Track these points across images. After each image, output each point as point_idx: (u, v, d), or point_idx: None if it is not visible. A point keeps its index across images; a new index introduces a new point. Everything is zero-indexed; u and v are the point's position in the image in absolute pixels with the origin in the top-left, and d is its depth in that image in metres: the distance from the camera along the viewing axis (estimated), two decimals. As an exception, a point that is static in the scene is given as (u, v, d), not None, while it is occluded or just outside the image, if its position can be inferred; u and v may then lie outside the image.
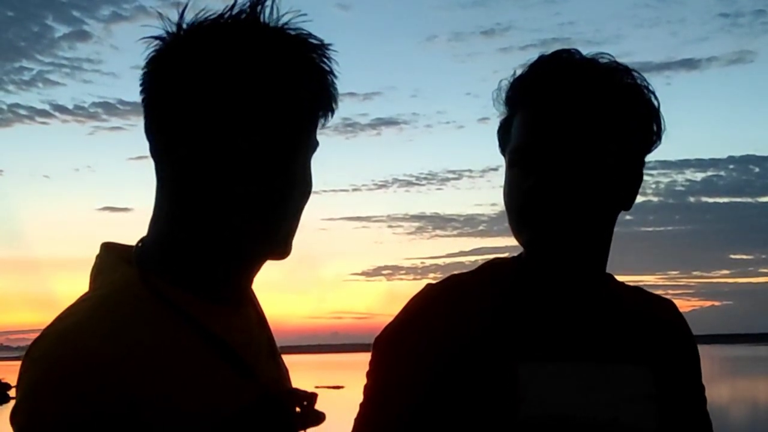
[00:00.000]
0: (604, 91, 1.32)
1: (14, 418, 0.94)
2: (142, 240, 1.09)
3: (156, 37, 1.05)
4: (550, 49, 1.38)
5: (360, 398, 1.40)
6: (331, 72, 1.06)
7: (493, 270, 1.43)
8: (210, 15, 1.05)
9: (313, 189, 1.11)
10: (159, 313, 1.02)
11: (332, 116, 1.09)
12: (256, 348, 1.12)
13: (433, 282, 1.43)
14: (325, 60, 1.05)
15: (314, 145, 1.09)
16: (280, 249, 1.08)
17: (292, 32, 1.05)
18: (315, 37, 1.06)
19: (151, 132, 1.06)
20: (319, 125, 1.09)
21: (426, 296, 1.40)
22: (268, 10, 1.05)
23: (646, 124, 1.36)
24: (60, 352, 0.94)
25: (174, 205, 1.06)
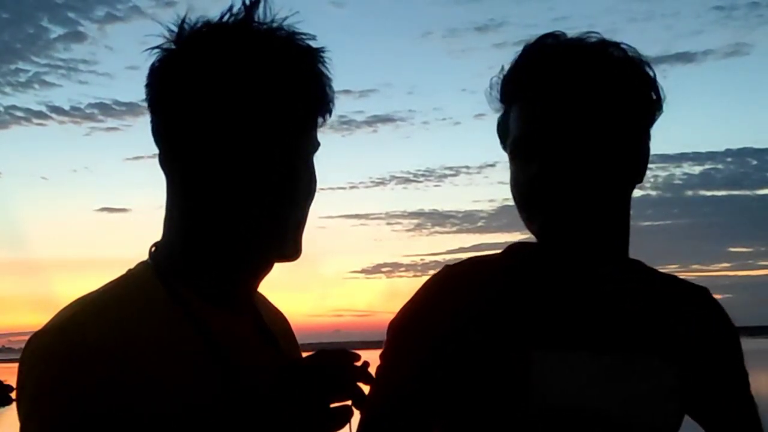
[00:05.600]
0: (596, 69, 1.30)
1: (18, 412, 0.95)
2: (155, 244, 1.12)
3: (158, 47, 1.08)
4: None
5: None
6: (328, 76, 1.12)
7: (514, 254, 1.41)
8: (207, 21, 1.08)
9: (312, 187, 1.15)
10: (163, 306, 1.05)
11: (330, 116, 1.14)
12: (252, 355, 1.13)
13: (451, 264, 1.41)
14: (322, 64, 1.11)
15: (316, 145, 1.13)
16: (291, 250, 1.12)
17: (291, 37, 1.09)
18: (308, 35, 1.10)
19: (158, 139, 1.10)
20: (318, 125, 1.13)
21: (443, 277, 1.39)
22: (261, 11, 1.08)
23: (644, 95, 1.33)
24: (58, 346, 0.95)
25: (182, 212, 1.09)
